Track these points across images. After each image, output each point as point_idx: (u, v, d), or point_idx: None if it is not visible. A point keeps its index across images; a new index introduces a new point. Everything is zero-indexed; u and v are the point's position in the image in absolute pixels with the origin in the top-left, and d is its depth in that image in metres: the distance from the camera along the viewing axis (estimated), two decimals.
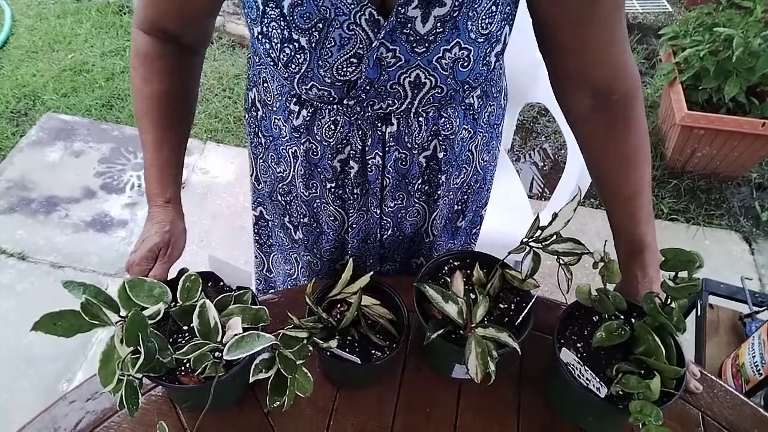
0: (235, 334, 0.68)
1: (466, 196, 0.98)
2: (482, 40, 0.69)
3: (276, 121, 0.85)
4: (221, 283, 0.83)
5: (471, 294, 0.83)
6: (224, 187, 2.40)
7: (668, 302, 0.74)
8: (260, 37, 0.70)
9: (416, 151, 0.83)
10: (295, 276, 1.12)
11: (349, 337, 0.81)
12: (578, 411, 0.80)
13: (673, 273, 0.72)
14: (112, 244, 2.15)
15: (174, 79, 0.84)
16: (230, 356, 0.66)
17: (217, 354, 0.70)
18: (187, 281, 0.76)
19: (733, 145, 2.31)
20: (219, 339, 0.70)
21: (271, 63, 0.72)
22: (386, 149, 0.81)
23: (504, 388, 0.85)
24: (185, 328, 0.76)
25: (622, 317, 0.80)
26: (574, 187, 1.50)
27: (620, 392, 0.73)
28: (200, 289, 0.76)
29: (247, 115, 0.94)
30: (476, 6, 0.66)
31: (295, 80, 0.72)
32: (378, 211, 0.91)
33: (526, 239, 0.81)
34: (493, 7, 0.67)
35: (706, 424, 0.83)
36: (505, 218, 1.47)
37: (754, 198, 2.47)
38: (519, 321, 0.81)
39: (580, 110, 0.81)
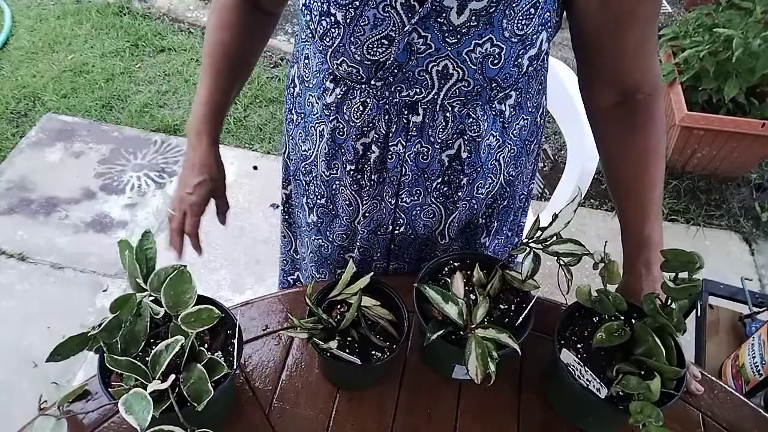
0: None
1: (491, 210, 0.97)
2: (516, 40, 0.69)
3: (310, 97, 0.87)
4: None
5: (471, 295, 0.83)
6: None
7: (668, 303, 0.74)
8: (303, 8, 0.73)
9: (438, 147, 0.83)
10: (304, 262, 1.12)
11: (349, 338, 0.81)
12: (578, 412, 0.80)
13: (674, 274, 0.72)
14: (112, 244, 2.15)
15: (243, 32, 0.90)
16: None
17: None
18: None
19: (733, 145, 2.31)
20: None
21: (310, 35, 0.75)
22: (408, 138, 0.82)
23: (504, 388, 0.85)
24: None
25: (622, 318, 0.80)
26: (574, 187, 1.50)
27: (620, 393, 0.73)
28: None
29: (286, 92, 0.98)
30: (514, 5, 0.66)
31: (328, 53, 0.75)
32: (393, 202, 0.91)
33: (526, 240, 0.81)
34: (532, 9, 0.68)
35: (706, 424, 0.83)
36: None
37: (754, 198, 2.47)
38: (519, 322, 0.81)
39: (606, 106, 0.82)
